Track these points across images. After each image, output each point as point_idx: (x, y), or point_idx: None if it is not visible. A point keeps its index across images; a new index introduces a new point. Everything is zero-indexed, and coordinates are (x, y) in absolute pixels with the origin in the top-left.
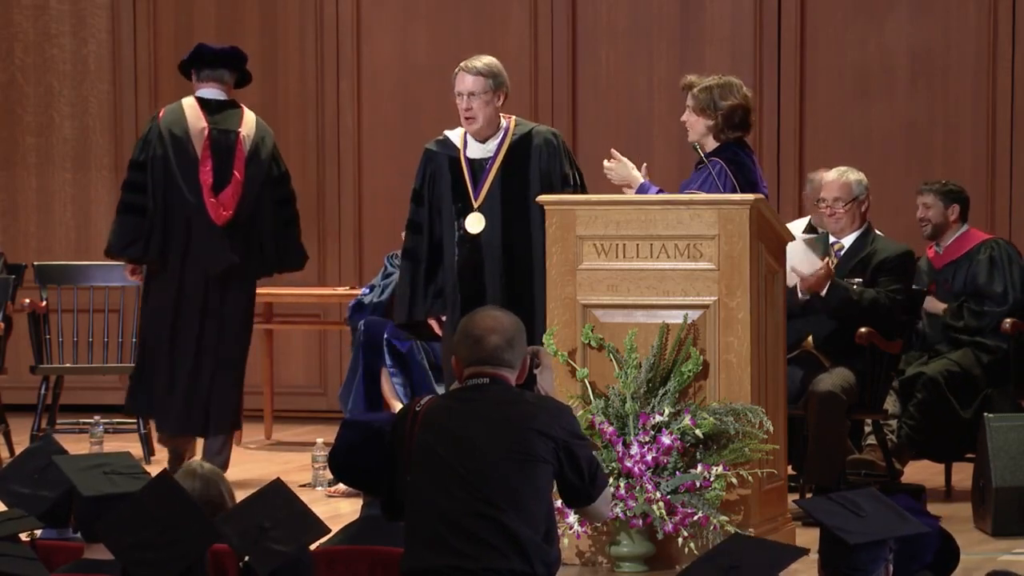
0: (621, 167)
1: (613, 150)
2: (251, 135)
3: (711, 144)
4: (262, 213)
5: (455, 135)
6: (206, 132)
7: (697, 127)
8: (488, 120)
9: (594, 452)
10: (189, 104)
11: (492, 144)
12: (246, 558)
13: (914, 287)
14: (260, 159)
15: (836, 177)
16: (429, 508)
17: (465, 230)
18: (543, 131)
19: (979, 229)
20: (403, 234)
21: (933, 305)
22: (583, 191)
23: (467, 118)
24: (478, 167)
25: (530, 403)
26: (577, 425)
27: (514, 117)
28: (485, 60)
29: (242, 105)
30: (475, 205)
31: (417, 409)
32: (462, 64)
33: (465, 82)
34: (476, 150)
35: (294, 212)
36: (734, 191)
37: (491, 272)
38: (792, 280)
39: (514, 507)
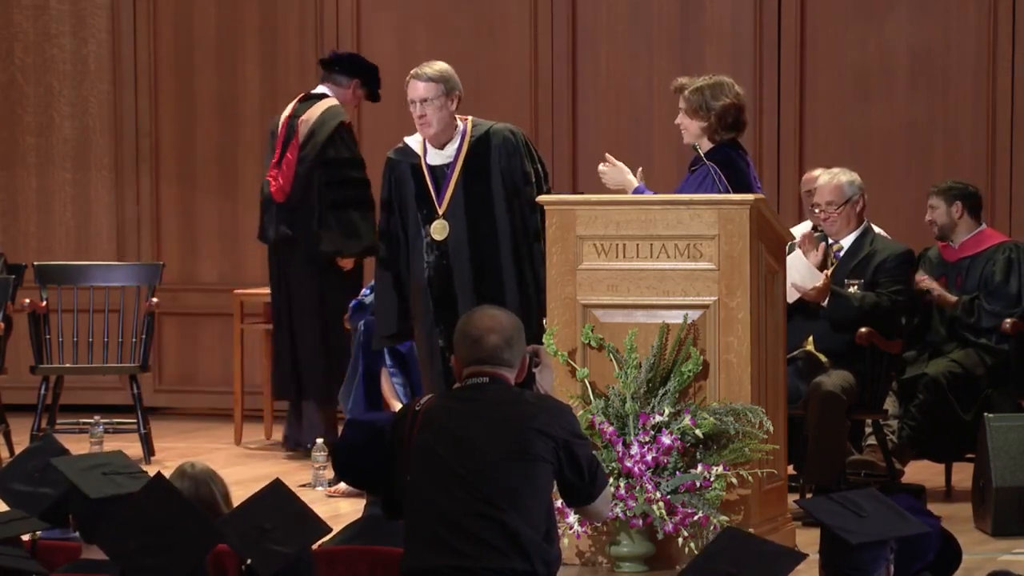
0: (615, 171)
1: (607, 154)
2: (310, 120)
3: (706, 145)
4: (312, 193)
5: (414, 141)
6: (284, 120)
7: (691, 129)
8: (443, 124)
9: (594, 452)
10: (294, 100)
11: (451, 149)
12: (248, 561)
13: (916, 279)
14: (314, 142)
15: (828, 180)
16: (429, 508)
17: (431, 237)
18: (500, 129)
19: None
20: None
21: (943, 297)
22: (546, 187)
23: (421, 124)
24: (439, 173)
25: (530, 402)
26: (577, 424)
27: (470, 118)
28: (436, 66)
29: (329, 96)
30: (439, 212)
31: (417, 409)
32: (412, 72)
33: (417, 89)
34: (435, 156)
35: (343, 195)
36: (727, 193)
37: (460, 277)
38: (792, 296)
39: (514, 507)
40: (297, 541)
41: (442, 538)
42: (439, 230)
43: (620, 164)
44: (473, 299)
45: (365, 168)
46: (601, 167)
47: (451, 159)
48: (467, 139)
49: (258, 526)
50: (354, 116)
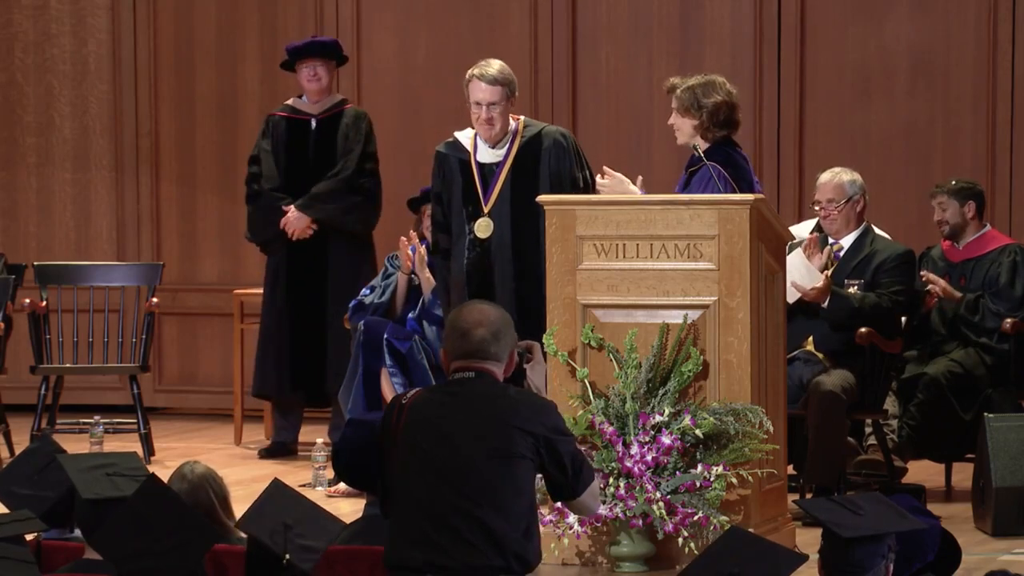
0: (615, 183)
1: (605, 167)
2: None
3: (701, 144)
4: None
5: (464, 137)
6: None
7: (684, 128)
8: (503, 126)
9: (580, 446)
10: None
11: (501, 148)
12: (287, 556)
13: (917, 285)
14: None
15: (829, 178)
16: (411, 502)
17: (475, 234)
18: (552, 132)
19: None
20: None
21: (948, 293)
22: (594, 192)
23: (486, 126)
24: (488, 171)
25: (512, 399)
26: (560, 420)
27: (522, 118)
28: (497, 66)
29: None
30: (485, 210)
31: (403, 402)
32: (475, 72)
33: (484, 92)
34: (486, 154)
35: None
36: (734, 193)
37: (501, 276)
38: (792, 296)
39: (492, 503)
40: (322, 536)
41: (422, 532)
42: (483, 228)
43: (619, 175)
44: (512, 298)
45: (256, 162)
46: (600, 180)
47: (501, 158)
48: (518, 139)
49: (282, 523)
50: None
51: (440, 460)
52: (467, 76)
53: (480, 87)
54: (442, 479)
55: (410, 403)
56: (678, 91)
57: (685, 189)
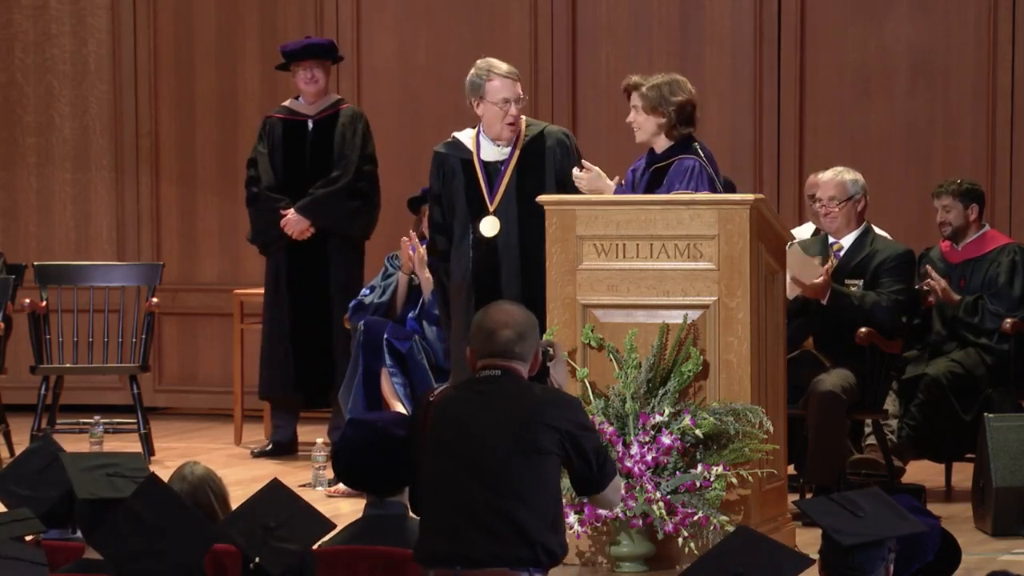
0: (592, 176)
1: (584, 160)
2: None
3: (663, 142)
4: None
5: (465, 137)
6: None
7: (647, 127)
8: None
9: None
10: None
11: (506, 147)
12: (256, 559)
13: (916, 285)
14: None
15: (831, 176)
16: (441, 498)
17: (479, 233)
18: (555, 131)
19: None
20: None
21: (947, 294)
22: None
23: (512, 124)
24: (492, 169)
25: (537, 395)
26: (584, 416)
27: (524, 117)
28: (506, 64)
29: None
30: (490, 208)
31: (431, 400)
32: (506, 70)
33: (511, 88)
34: (490, 152)
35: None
36: (712, 189)
37: (508, 274)
38: (792, 292)
39: (520, 497)
40: (303, 538)
41: (452, 527)
42: (489, 226)
43: (596, 169)
44: (519, 297)
45: (254, 165)
46: (576, 172)
47: (505, 156)
48: (521, 137)
49: (262, 524)
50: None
51: (468, 456)
52: (485, 75)
53: (508, 84)
54: (470, 475)
55: (437, 401)
56: (643, 89)
57: (658, 188)
